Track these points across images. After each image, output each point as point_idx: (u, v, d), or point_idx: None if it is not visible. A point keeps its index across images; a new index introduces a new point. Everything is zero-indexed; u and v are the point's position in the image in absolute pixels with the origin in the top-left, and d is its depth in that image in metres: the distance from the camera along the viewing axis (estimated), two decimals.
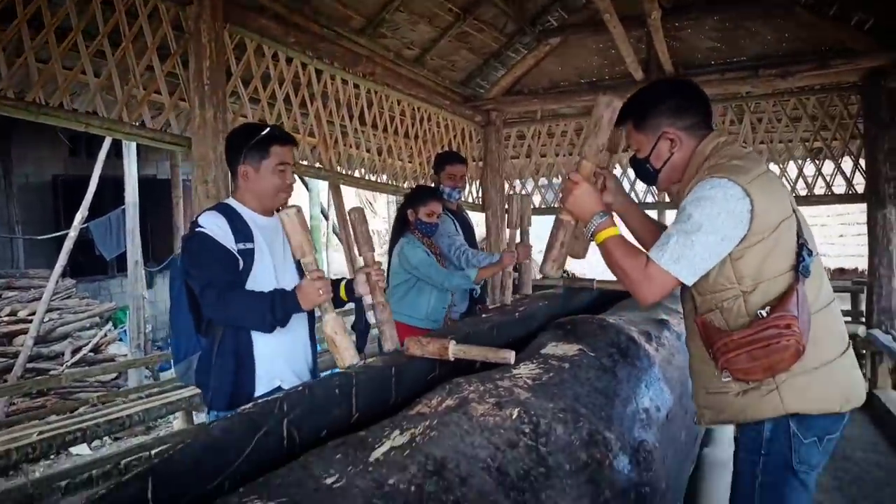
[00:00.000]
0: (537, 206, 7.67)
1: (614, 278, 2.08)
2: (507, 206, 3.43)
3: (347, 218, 8.22)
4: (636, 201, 6.45)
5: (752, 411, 1.78)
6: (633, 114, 1.96)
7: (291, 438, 1.58)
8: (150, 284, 9.14)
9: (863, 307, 6.62)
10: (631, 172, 7.44)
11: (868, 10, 5.42)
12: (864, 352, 6.10)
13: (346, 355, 2.05)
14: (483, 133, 7.35)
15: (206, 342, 2.27)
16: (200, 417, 4.64)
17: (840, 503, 3.72)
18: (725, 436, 3.15)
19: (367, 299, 2.33)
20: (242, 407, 1.52)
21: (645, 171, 1.99)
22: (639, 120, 1.95)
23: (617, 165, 7.39)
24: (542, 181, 8.03)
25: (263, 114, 4.46)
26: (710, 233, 1.68)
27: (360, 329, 3.05)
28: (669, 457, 2.25)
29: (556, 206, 7.75)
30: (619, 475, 1.77)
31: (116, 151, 8.08)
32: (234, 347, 2.23)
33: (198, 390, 4.01)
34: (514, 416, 1.65)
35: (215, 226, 2.20)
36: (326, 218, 12.54)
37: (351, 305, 2.73)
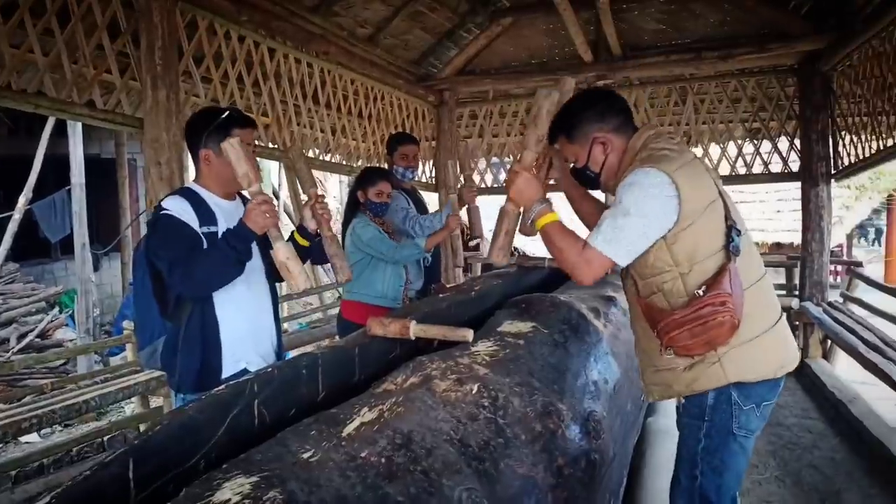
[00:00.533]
0: (489, 185, 7.79)
1: None
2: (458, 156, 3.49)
3: (300, 199, 8.08)
4: None
5: (699, 384, 1.93)
6: (562, 129, 2.09)
7: (262, 417, 1.65)
8: (95, 267, 8.93)
9: (797, 281, 6.97)
10: None
11: None
12: (797, 323, 6.44)
13: (300, 280, 2.15)
14: (436, 113, 7.40)
15: (171, 326, 2.30)
16: (157, 402, 4.63)
17: (773, 466, 3.98)
18: (668, 406, 3.33)
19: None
20: (215, 389, 1.58)
21: (586, 178, 2.13)
22: (568, 132, 2.07)
23: None
24: (494, 160, 8.14)
25: (216, 93, 4.43)
26: (639, 216, 1.82)
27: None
28: (617, 426, 2.39)
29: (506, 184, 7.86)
30: (570, 443, 1.89)
31: (59, 130, 7.84)
32: (200, 330, 2.27)
33: (155, 374, 4.05)
34: (474, 391, 1.75)
35: (179, 208, 2.24)
36: (277, 198, 12.41)
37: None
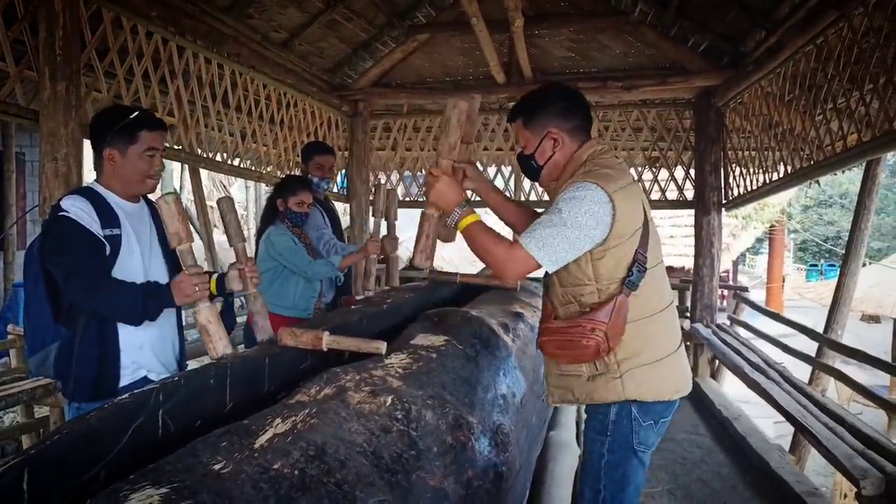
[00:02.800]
0: (402, 198, 7.81)
1: (475, 271, 2.26)
2: (372, 197, 3.48)
3: (206, 203, 7.79)
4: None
5: (598, 395, 2.01)
6: (523, 112, 2.12)
7: (167, 428, 1.58)
8: None
9: (688, 303, 7.35)
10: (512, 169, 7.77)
11: (703, 34, 6.03)
12: (688, 343, 6.79)
13: (220, 345, 2.02)
14: (350, 123, 7.37)
15: (66, 332, 2.16)
16: (43, 411, 4.34)
17: (665, 480, 4.17)
18: (569, 420, 3.44)
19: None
20: (118, 398, 1.51)
21: (529, 167, 2.15)
22: (528, 118, 2.10)
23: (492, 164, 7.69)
24: (406, 174, 8.19)
25: (120, 89, 4.24)
26: (574, 228, 1.87)
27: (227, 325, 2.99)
28: (522, 439, 2.44)
29: (420, 199, 7.94)
30: (479, 456, 1.92)
31: None
32: (97, 337, 2.14)
33: (42, 382, 3.78)
34: (387, 404, 1.75)
35: (80, 210, 2.10)
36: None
37: None
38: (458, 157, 2.21)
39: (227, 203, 2.29)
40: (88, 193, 2.20)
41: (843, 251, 6.71)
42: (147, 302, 2.06)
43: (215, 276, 2.34)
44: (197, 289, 2.02)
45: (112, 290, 2.06)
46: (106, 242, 2.13)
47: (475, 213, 2.05)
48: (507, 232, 2.34)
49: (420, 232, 2.11)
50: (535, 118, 2.09)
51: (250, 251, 2.50)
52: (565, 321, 1.95)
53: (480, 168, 7.79)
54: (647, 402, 1.99)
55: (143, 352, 2.26)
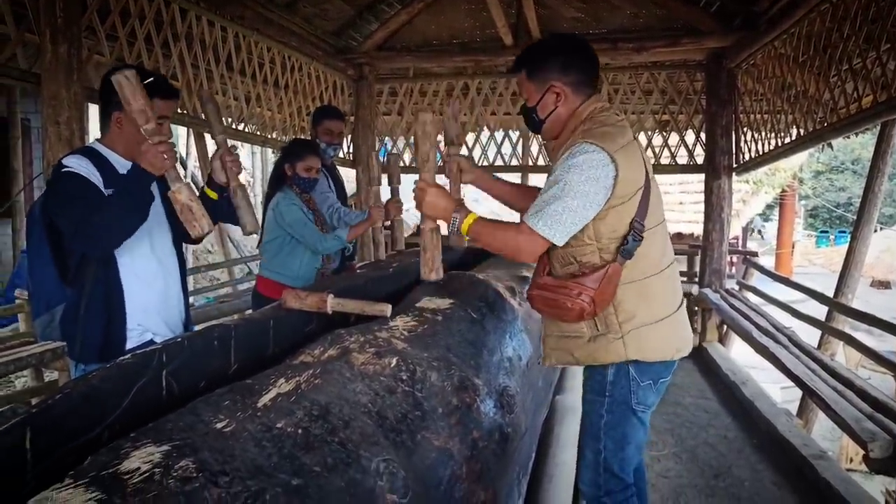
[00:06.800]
0: (408, 164, 7.76)
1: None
2: (372, 162, 3.52)
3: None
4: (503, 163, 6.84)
5: (599, 355, 2.00)
6: (526, 63, 2.07)
7: (171, 389, 1.58)
8: None
9: (697, 269, 7.31)
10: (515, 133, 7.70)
11: None
12: (697, 308, 6.77)
13: (203, 222, 2.05)
14: (355, 87, 7.27)
15: (72, 293, 2.16)
16: (52, 375, 4.38)
17: (671, 443, 4.18)
18: (576, 385, 3.44)
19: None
20: (120, 358, 1.50)
21: (532, 120, 2.12)
22: (530, 70, 2.05)
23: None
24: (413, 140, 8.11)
25: (122, 52, 4.18)
26: (578, 197, 1.84)
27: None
28: (528, 401, 2.45)
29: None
30: (485, 417, 1.92)
31: None
32: (104, 299, 2.14)
33: (51, 345, 3.81)
34: (392, 365, 1.74)
35: (82, 167, 2.09)
36: (185, 167, 11.91)
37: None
38: (452, 152, 2.28)
39: (205, 93, 2.33)
40: (90, 153, 2.18)
41: (854, 217, 6.63)
42: (131, 187, 2.02)
43: (204, 185, 2.40)
44: (164, 156, 1.98)
45: (105, 212, 2.01)
46: None
47: (471, 211, 2.03)
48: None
49: (423, 250, 2.09)
50: (538, 70, 2.04)
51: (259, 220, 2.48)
52: (556, 280, 1.96)
53: (487, 133, 7.73)
54: (647, 363, 1.98)
55: (148, 315, 2.25)
